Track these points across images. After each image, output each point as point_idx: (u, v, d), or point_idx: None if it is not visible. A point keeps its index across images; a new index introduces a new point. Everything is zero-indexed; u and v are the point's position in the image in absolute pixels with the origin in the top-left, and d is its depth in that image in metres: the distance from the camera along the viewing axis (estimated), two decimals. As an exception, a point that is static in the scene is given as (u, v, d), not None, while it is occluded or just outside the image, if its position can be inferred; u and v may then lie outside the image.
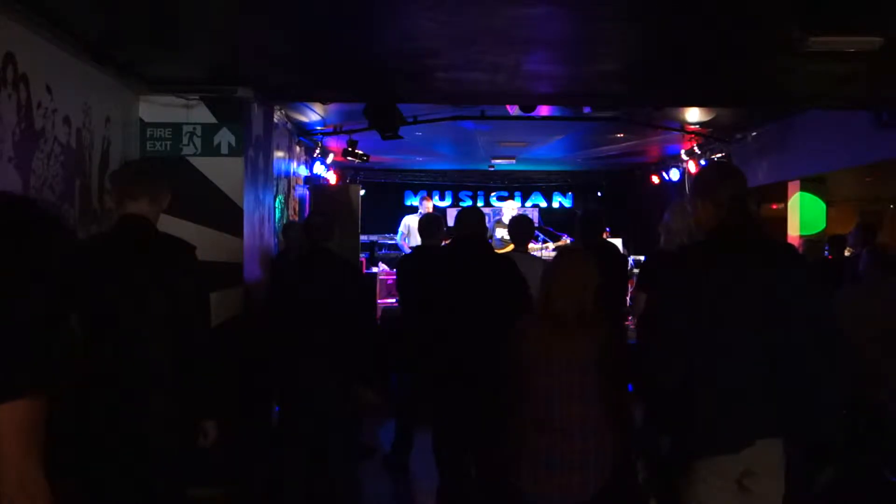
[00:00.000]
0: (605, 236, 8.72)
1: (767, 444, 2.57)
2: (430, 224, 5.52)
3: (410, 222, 9.45)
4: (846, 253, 6.94)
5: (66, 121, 3.82)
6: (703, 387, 2.56)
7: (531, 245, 8.95)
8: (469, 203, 13.98)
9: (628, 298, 5.73)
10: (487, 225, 7.38)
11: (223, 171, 4.98)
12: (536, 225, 12.28)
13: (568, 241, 8.88)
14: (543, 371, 2.95)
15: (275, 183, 6.34)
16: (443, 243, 5.67)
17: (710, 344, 2.55)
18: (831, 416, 2.62)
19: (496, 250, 6.96)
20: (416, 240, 9.17)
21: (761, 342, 2.54)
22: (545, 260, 5.89)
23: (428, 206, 9.57)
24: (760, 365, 2.54)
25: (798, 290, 2.58)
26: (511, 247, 5.74)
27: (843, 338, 2.63)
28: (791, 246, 2.97)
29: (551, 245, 8.96)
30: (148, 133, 4.95)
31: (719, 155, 8.50)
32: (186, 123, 4.97)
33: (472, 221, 4.34)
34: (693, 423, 2.58)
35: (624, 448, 3.03)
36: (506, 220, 8.93)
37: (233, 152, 4.99)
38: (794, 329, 2.54)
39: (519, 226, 5.36)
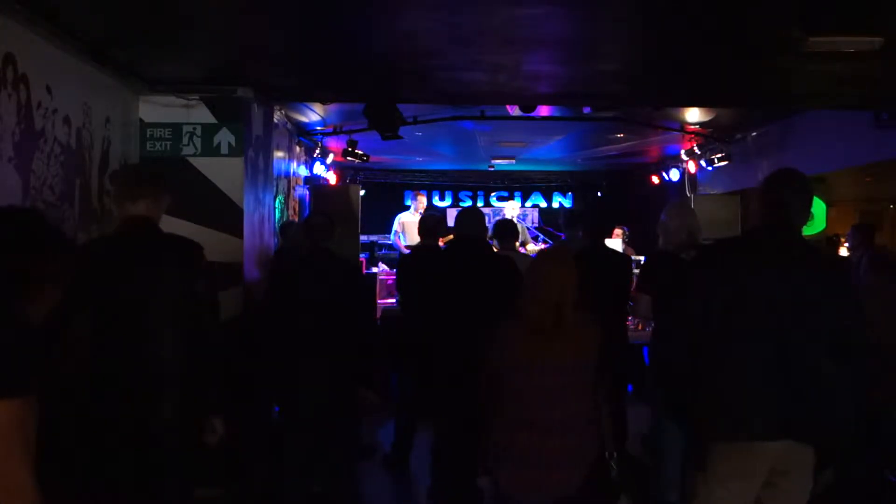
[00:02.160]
0: (618, 236, 8.74)
1: (794, 444, 2.60)
2: (431, 223, 5.53)
3: (404, 219, 9.45)
4: (844, 253, 6.95)
5: (66, 121, 3.82)
6: (718, 377, 2.62)
7: (530, 246, 8.98)
8: (469, 203, 13.97)
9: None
10: (488, 225, 7.40)
11: (223, 172, 4.98)
12: (536, 225, 12.30)
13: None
14: (524, 372, 2.97)
15: (275, 183, 6.33)
16: (441, 243, 5.69)
17: (731, 335, 2.61)
18: (846, 421, 2.64)
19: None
20: (411, 238, 9.20)
21: (781, 339, 2.57)
22: None
23: (421, 203, 9.54)
24: (778, 362, 2.57)
25: (823, 291, 2.62)
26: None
27: (865, 342, 2.66)
28: (818, 249, 3.02)
29: (532, 246, 8.95)
30: (148, 133, 4.95)
31: (719, 155, 8.49)
32: (186, 123, 4.97)
33: (473, 222, 4.34)
34: (705, 413, 2.62)
35: (599, 445, 3.05)
36: (506, 220, 8.93)
37: (233, 152, 4.99)
38: (815, 330, 2.58)
39: (503, 227, 5.41)
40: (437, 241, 5.58)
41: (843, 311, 2.63)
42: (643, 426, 5.18)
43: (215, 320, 3.08)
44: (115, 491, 2.85)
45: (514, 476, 2.97)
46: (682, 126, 8.32)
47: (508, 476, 2.98)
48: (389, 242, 10.14)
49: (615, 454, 3.14)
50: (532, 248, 8.93)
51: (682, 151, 9.64)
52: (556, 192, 14.28)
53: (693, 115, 7.67)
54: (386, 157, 10.78)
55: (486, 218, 4.79)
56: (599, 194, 13.87)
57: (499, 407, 3.05)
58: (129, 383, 2.86)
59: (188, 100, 4.95)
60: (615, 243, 8.15)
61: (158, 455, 2.91)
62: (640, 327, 6.06)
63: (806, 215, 2.79)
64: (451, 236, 5.05)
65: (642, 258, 7.05)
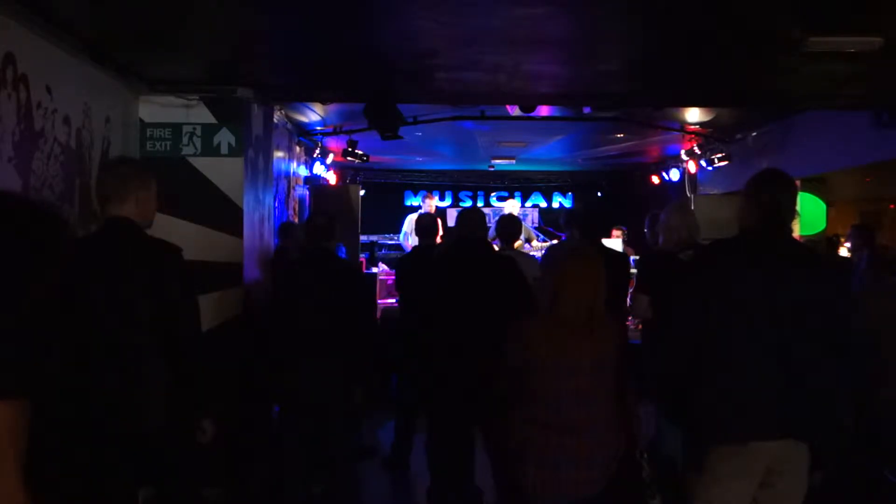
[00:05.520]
0: (617, 236, 8.75)
1: (790, 444, 2.60)
2: (428, 224, 5.54)
3: (415, 220, 9.45)
4: (845, 253, 6.95)
5: (66, 121, 3.82)
6: (716, 378, 2.63)
7: (535, 242, 8.99)
8: (469, 203, 13.97)
9: (628, 299, 5.72)
10: (489, 224, 7.37)
11: (223, 172, 4.98)
12: (536, 225, 12.29)
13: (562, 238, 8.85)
14: (552, 373, 2.94)
15: (275, 183, 6.34)
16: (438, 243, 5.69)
17: (727, 337, 2.61)
18: (845, 420, 2.65)
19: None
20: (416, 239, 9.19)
21: (779, 340, 2.57)
22: (537, 258, 5.92)
23: (431, 205, 9.54)
24: (776, 362, 2.58)
25: (822, 290, 2.63)
26: (518, 243, 5.76)
27: (864, 343, 2.67)
28: (814, 249, 3.04)
29: (537, 243, 8.93)
30: (148, 133, 4.95)
31: (719, 155, 8.49)
32: (186, 124, 4.96)
33: (474, 222, 4.34)
34: (702, 413, 2.62)
35: (628, 444, 3.04)
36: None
37: (233, 152, 4.99)
38: (814, 329, 2.58)
39: (510, 224, 5.38)
40: (435, 241, 5.59)
41: (840, 311, 2.64)
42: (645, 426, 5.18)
43: (193, 324, 3.02)
44: (109, 496, 2.84)
45: (540, 476, 2.95)
46: (682, 126, 8.32)
47: (535, 476, 2.96)
48: (395, 243, 10.12)
49: (646, 454, 3.12)
50: (536, 243, 8.93)
51: (682, 151, 9.64)
52: (556, 192, 14.28)
53: (693, 115, 7.68)
54: (386, 157, 10.78)
55: (487, 218, 4.78)
56: (599, 194, 13.87)
57: (523, 407, 3.02)
58: (111, 387, 2.82)
59: (188, 100, 4.95)
60: (615, 243, 8.16)
61: (157, 457, 2.90)
62: (639, 327, 6.06)
63: (794, 214, 2.81)
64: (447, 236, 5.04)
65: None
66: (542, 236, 9.91)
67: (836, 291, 2.68)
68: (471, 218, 4.37)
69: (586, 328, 2.95)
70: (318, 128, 8.08)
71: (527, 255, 5.78)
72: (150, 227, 3.04)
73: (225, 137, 4.99)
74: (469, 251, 4.25)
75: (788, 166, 3.06)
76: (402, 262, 5.73)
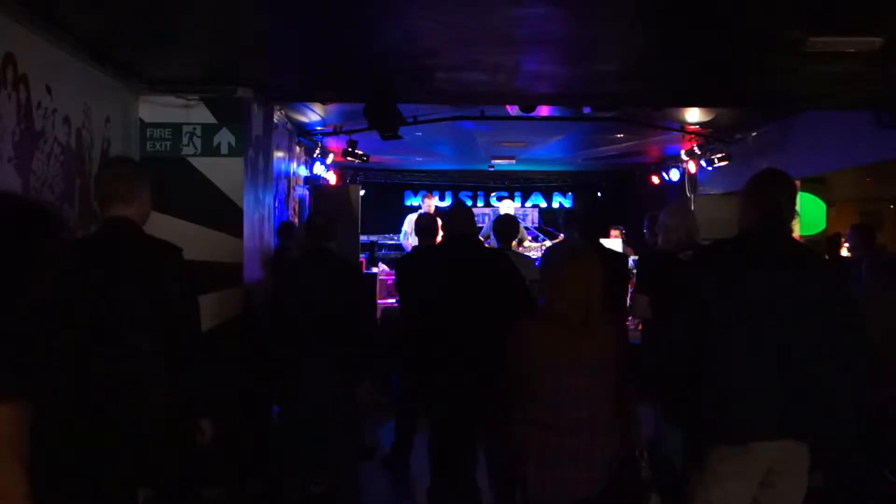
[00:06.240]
0: (616, 236, 8.76)
1: (790, 444, 2.61)
2: (428, 225, 5.54)
3: (414, 220, 9.44)
4: (845, 253, 6.96)
5: (66, 121, 3.82)
6: (716, 378, 2.64)
7: (527, 243, 8.99)
8: (469, 203, 13.97)
9: (628, 300, 5.73)
10: (483, 224, 7.36)
11: (223, 172, 4.98)
12: (536, 225, 12.29)
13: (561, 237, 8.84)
14: (551, 372, 2.94)
15: (275, 183, 6.34)
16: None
17: (727, 337, 2.62)
18: (845, 420, 2.66)
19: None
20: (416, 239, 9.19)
21: (779, 340, 2.58)
22: (535, 259, 5.91)
23: (431, 205, 9.54)
24: (776, 363, 2.58)
25: (822, 291, 2.63)
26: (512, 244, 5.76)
27: (863, 341, 2.68)
28: (812, 249, 3.04)
29: (529, 244, 8.92)
30: (148, 133, 4.95)
31: (719, 155, 8.49)
32: (186, 124, 4.96)
33: (464, 220, 4.33)
34: (703, 413, 2.63)
35: (627, 443, 3.04)
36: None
37: (233, 152, 4.99)
38: (815, 330, 2.59)
39: (507, 224, 5.38)
40: (435, 241, 5.59)
41: (840, 311, 2.64)
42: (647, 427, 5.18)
43: (193, 324, 3.03)
44: (109, 496, 2.83)
45: (541, 476, 2.95)
46: (682, 126, 8.33)
47: (535, 476, 2.96)
48: (395, 243, 10.11)
49: (645, 454, 3.12)
50: (529, 244, 8.93)
51: (682, 151, 9.64)
52: (556, 192, 14.28)
53: (693, 115, 7.68)
54: (386, 157, 10.78)
55: (486, 218, 4.78)
56: (599, 194, 13.87)
57: (524, 407, 3.02)
58: (112, 387, 2.82)
59: (188, 100, 4.95)
60: (615, 243, 8.16)
61: (157, 457, 2.90)
62: (639, 327, 6.06)
63: (794, 214, 2.81)
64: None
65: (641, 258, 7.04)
66: (541, 236, 9.91)
67: (835, 291, 2.68)
68: (461, 216, 4.35)
69: (586, 328, 2.95)
70: (318, 128, 8.08)
71: (523, 255, 5.78)
72: (144, 225, 3.04)
73: (225, 137, 4.99)
74: (464, 250, 4.25)
75: (788, 166, 3.07)
76: (401, 262, 5.73)
